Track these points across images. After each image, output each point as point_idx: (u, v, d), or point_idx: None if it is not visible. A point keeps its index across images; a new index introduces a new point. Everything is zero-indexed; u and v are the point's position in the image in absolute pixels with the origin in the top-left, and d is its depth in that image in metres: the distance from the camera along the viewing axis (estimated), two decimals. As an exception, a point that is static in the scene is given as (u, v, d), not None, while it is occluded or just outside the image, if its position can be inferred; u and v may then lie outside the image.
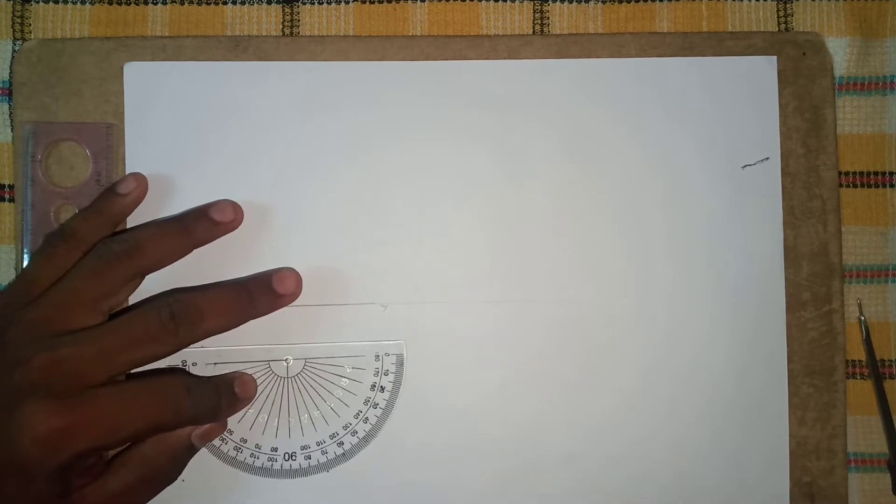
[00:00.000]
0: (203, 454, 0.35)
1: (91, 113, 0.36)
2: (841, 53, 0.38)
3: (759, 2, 0.38)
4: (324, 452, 0.36)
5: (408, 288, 0.37)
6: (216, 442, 0.36)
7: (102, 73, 0.36)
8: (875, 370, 0.37)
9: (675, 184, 0.37)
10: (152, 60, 0.36)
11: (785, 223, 0.37)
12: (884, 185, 0.38)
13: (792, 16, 0.38)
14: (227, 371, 0.35)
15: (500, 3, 0.38)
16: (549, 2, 0.38)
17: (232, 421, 0.36)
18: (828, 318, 0.37)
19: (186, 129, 0.36)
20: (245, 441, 0.36)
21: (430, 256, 0.37)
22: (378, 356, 0.36)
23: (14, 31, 0.37)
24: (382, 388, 0.36)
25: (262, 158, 0.36)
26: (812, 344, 0.37)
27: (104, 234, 0.34)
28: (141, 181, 0.35)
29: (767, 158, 0.37)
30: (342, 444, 0.36)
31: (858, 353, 0.38)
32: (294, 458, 0.36)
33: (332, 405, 0.36)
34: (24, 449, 0.30)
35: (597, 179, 0.37)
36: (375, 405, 0.36)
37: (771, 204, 0.37)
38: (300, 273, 0.36)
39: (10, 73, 0.37)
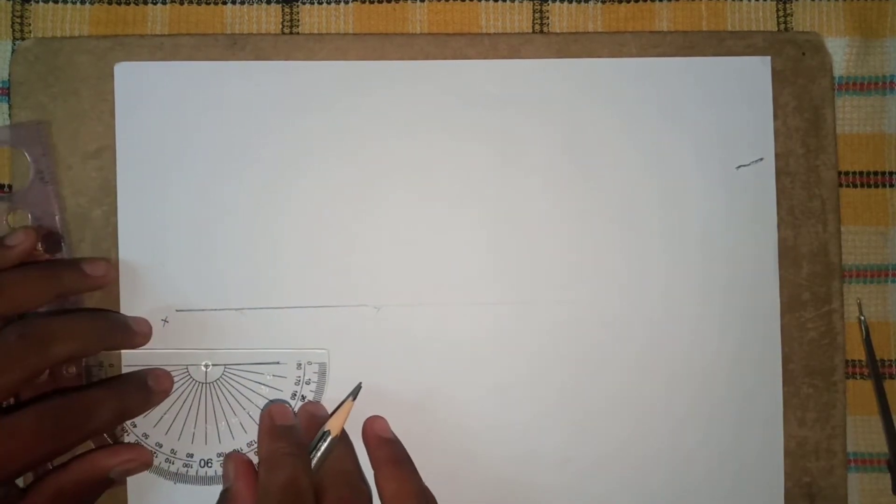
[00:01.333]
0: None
1: (88, 112, 0.36)
2: (840, 53, 0.38)
3: (759, 2, 0.38)
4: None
5: (403, 290, 0.36)
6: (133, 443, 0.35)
7: (99, 72, 0.36)
8: (875, 370, 0.37)
9: (670, 185, 0.37)
10: (149, 59, 0.36)
11: (785, 223, 0.37)
12: (883, 185, 0.38)
13: (791, 16, 0.38)
14: None
15: (499, 3, 0.38)
16: (549, 2, 0.38)
17: (147, 425, 0.35)
18: (827, 318, 0.37)
19: (179, 130, 0.36)
20: (161, 445, 0.35)
21: (426, 258, 0.37)
22: (300, 364, 0.36)
23: (14, 31, 0.37)
24: (303, 398, 0.36)
25: (258, 158, 0.36)
26: (812, 344, 0.37)
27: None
28: (30, 236, 0.34)
29: (762, 159, 0.37)
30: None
31: (858, 353, 0.38)
32: (210, 465, 0.36)
33: (251, 412, 0.36)
34: None
35: (593, 179, 0.37)
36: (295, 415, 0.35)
37: (765, 204, 0.37)
38: (299, 274, 0.36)
39: (9, 72, 0.37)
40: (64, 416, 0.32)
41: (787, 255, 0.37)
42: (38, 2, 0.37)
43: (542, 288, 0.37)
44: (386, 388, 0.36)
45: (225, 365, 0.36)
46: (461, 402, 0.36)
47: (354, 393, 0.34)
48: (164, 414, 0.35)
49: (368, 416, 0.36)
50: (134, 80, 0.36)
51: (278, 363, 0.36)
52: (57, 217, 0.36)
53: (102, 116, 0.36)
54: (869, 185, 0.38)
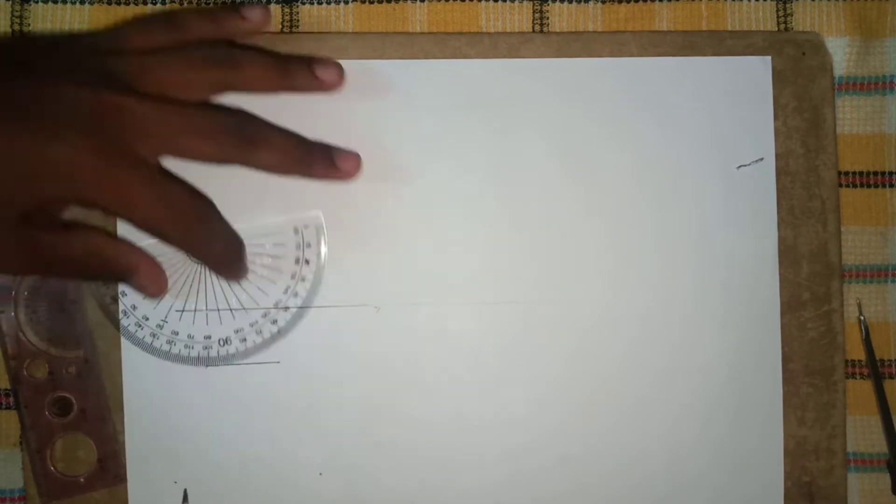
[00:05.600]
0: (137, 354, 0.35)
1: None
2: (840, 53, 0.38)
3: (759, 2, 0.38)
4: (258, 332, 0.36)
5: (403, 290, 0.36)
6: (147, 338, 0.36)
7: (101, 72, 0.36)
8: (875, 370, 0.37)
9: (670, 185, 0.37)
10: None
11: (785, 223, 0.37)
12: (883, 185, 0.38)
13: (791, 15, 0.38)
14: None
15: (499, 3, 0.38)
16: (549, 2, 0.38)
17: (158, 315, 0.36)
18: (827, 317, 0.37)
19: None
20: (177, 333, 0.36)
21: (426, 258, 0.37)
22: (297, 229, 0.36)
23: (13, 31, 0.37)
24: (307, 261, 0.36)
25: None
26: (811, 344, 0.37)
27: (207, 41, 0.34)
28: (267, 17, 0.35)
29: (762, 159, 0.37)
30: (275, 321, 0.36)
31: (858, 353, 0.38)
32: (229, 342, 0.36)
33: (259, 285, 0.36)
34: (37, 164, 0.29)
35: (592, 179, 0.37)
36: (303, 279, 0.36)
37: (765, 204, 0.37)
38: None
39: (9, 72, 0.37)
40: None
41: (787, 255, 0.37)
42: (37, 2, 0.37)
43: (542, 288, 0.37)
44: (386, 387, 0.36)
45: None
46: (460, 402, 0.36)
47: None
48: (173, 301, 0.36)
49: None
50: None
51: (276, 233, 0.36)
52: None
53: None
54: (869, 185, 0.38)
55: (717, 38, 0.37)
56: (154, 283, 0.33)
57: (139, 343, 0.35)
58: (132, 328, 0.36)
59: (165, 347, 0.36)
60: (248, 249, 0.35)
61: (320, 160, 0.35)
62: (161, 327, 0.36)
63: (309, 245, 0.36)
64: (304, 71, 0.35)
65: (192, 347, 0.36)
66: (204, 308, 0.36)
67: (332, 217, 0.36)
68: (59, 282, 0.36)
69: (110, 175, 0.30)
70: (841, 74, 0.38)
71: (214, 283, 0.36)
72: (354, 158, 0.35)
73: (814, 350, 0.37)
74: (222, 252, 0.34)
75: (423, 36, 0.37)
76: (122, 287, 0.36)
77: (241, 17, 0.35)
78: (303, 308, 0.36)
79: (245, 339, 0.36)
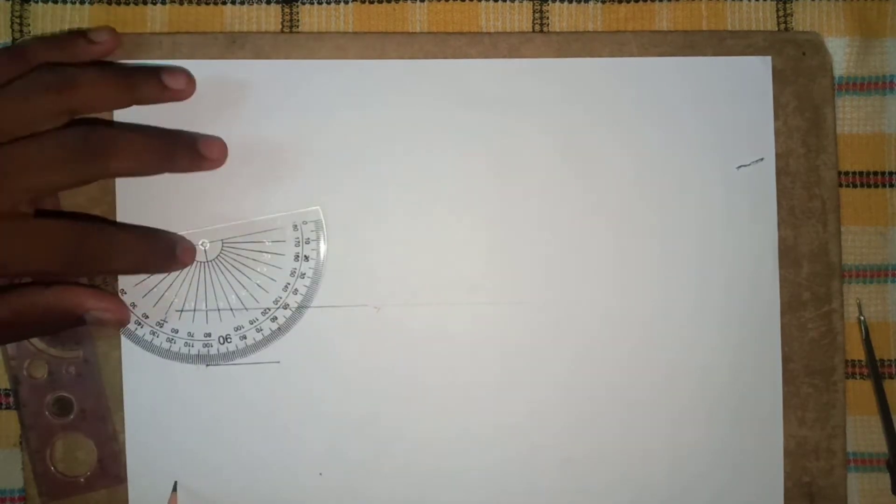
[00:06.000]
0: (137, 354, 0.35)
1: (90, 112, 0.36)
2: (840, 53, 0.38)
3: (759, 2, 0.38)
4: (258, 330, 0.36)
5: (403, 290, 0.36)
6: (147, 336, 0.35)
7: (100, 72, 0.36)
8: (875, 370, 0.37)
9: (670, 185, 0.37)
10: (147, 58, 0.36)
11: (785, 223, 0.37)
12: (883, 185, 0.38)
13: (791, 15, 0.38)
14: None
15: (499, 3, 0.38)
16: (549, 1, 0.38)
17: (159, 313, 0.36)
18: (827, 318, 0.37)
19: (177, 128, 0.36)
20: (177, 332, 0.36)
21: (426, 258, 0.37)
22: (296, 225, 0.36)
23: (13, 30, 0.37)
24: (307, 258, 0.36)
25: (256, 157, 0.36)
26: (812, 344, 0.37)
27: None
28: (115, 37, 0.35)
29: (762, 159, 0.37)
30: (275, 318, 0.36)
31: (858, 353, 0.38)
32: (229, 340, 0.36)
33: (259, 282, 0.36)
34: None
35: (592, 179, 0.37)
36: (303, 275, 0.36)
37: (766, 205, 0.37)
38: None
39: (9, 72, 0.37)
40: (90, 241, 0.32)
41: (787, 255, 0.37)
42: (37, 2, 0.37)
43: (541, 288, 0.37)
44: (385, 387, 0.36)
45: (222, 240, 0.36)
46: (460, 402, 0.36)
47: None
48: (173, 300, 0.36)
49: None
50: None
51: (275, 229, 0.36)
52: None
53: (101, 115, 0.36)
54: (869, 185, 0.38)
55: (718, 38, 0.37)
56: (111, 315, 0.33)
57: (139, 341, 0.35)
58: (132, 326, 0.36)
59: (165, 345, 0.36)
60: (248, 247, 0.35)
61: (182, 153, 0.34)
62: (161, 325, 0.36)
63: (308, 241, 0.36)
64: (150, 82, 0.34)
65: (192, 345, 0.36)
66: (204, 308, 0.36)
67: (332, 217, 0.36)
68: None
69: None
70: (841, 74, 0.38)
71: (214, 282, 0.36)
72: (219, 144, 0.35)
73: (814, 350, 0.37)
74: (142, 261, 0.33)
75: (423, 36, 0.37)
76: (120, 285, 0.36)
77: (87, 40, 0.34)
78: (303, 307, 0.36)
79: (245, 337, 0.36)
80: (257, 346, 0.36)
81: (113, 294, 0.35)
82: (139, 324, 0.36)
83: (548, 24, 0.38)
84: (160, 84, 0.34)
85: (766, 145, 0.37)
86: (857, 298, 0.38)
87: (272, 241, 0.36)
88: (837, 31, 0.38)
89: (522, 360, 0.37)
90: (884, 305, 0.38)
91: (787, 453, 0.37)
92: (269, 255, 0.36)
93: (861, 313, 0.38)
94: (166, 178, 0.34)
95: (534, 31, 0.38)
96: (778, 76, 0.37)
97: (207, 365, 0.36)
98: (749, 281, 0.37)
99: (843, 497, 0.37)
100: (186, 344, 0.36)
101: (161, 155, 0.33)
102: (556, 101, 0.37)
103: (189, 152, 0.34)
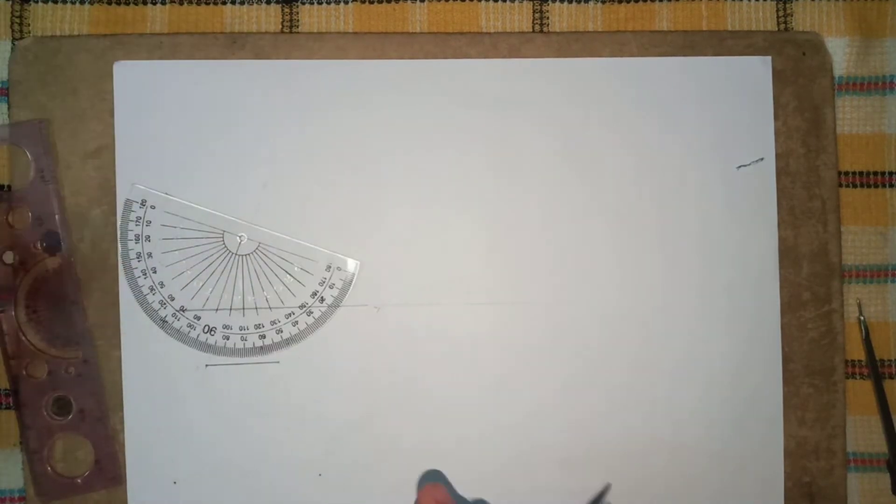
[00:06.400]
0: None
1: (87, 111, 0.36)
2: (840, 53, 0.38)
3: (759, 2, 0.38)
4: (244, 339, 0.36)
5: (403, 290, 0.36)
6: (202, 337, 0.36)
7: (99, 71, 0.36)
8: (875, 370, 0.37)
9: (670, 185, 0.37)
10: (148, 58, 0.36)
11: (785, 223, 0.37)
12: (883, 185, 0.38)
13: (791, 16, 0.38)
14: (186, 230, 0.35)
15: (499, 3, 0.38)
16: (549, 1, 0.38)
17: (175, 286, 0.35)
18: (827, 318, 0.37)
19: (178, 129, 0.36)
20: (186, 310, 0.36)
21: (426, 258, 0.37)
22: (329, 267, 0.36)
23: (13, 30, 0.37)
24: (322, 299, 0.36)
25: (257, 157, 0.36)
26: (812, 344, 0.37)
27: None
28: None
29: (762, 159, 0.37)
30: (264, 336, 0.36)
31: (858, 353, 0.38)
32: (246, 336, 0.36)
33: (268, 296, 0.36)
34: None
35: (592, 179, 0.37)
36: (310, 312, 0.36)
37: (766, 205, 0.37)
38: (298, 274, 0.36)
39: (8, 72, 0.36)
40: None
41: (787, 255, 0.37)
42: (37, 1, 0.37)
43: (542, 288, 0.37)
44: (385, 387, 0.36)
45: (259, 242, 0.36)
46: (460, 402, 0.36)
47: None
48: (194, 280, 0.36)
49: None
50: (133, 80, 0.36)
51: (309, 259, 0.36)
52: (57, 216, 0.36)
53: (102, 115, 0.36)
54: (869, 185, 0.38)
55: (718, 38, 0.37)
56: None
57: (194, 343, 0.36)
58: (169, 318, 0.36)
59: (221, 343, 0.36)
60: (277, 261, 0.35)
61: None
62: (172, 298, 0.36)
63: (332, 286, 0.36)
64: None
65: (246, 339, 0.36)
66: (221, 291, 0.36)
67: (332, 217, 0.36)
68: (58, 282, 0.35)
69: None
70: (841, 74, 0.38)
71: (238, 273, 0.36)
72: None
73: (814, 350, 0.37)
74: None
75: (423, 36, 0.37)
76: (159, 277, 0.36)
77: None
78: (294, 339, 0.36)
79: (281, 331, 0.36)
80: (309, 329, 0.36)
81: None
82: (176, 317, 0.36)
83: (548, 24, 0.38)
84: None
85: (766, 145, 0.37)
86: (857, 298, 0.38)
87: (300, 269, 0.36)
88: (837, 31, 0.38)
89: (522, 360, 0.37)
90: (884, 305, 0.38)
91: (787, 453, 0.37)
92: (290, 279, 0.36)
93: (861, 313, 0.38)
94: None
95: (534, 30, 0.38)
96: (778, 76, 0.37)
97: (207, 365, 0.36)
98: (749, 281, 0.37)
99: (843, 497, 0.37)
100: (224, 336, 0.36)
101: None
102: (557, 101, 0.37)
103: None
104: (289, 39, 0.37)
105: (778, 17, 0.38)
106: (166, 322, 0.35)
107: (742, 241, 0.37)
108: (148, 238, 0.36)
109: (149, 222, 0.36)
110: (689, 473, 0.37)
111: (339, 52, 0.37)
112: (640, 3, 0.38)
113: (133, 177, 0.36)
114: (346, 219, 0.36)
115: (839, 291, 0.37)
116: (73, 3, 0.37)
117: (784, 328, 0.37)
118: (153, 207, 0.35)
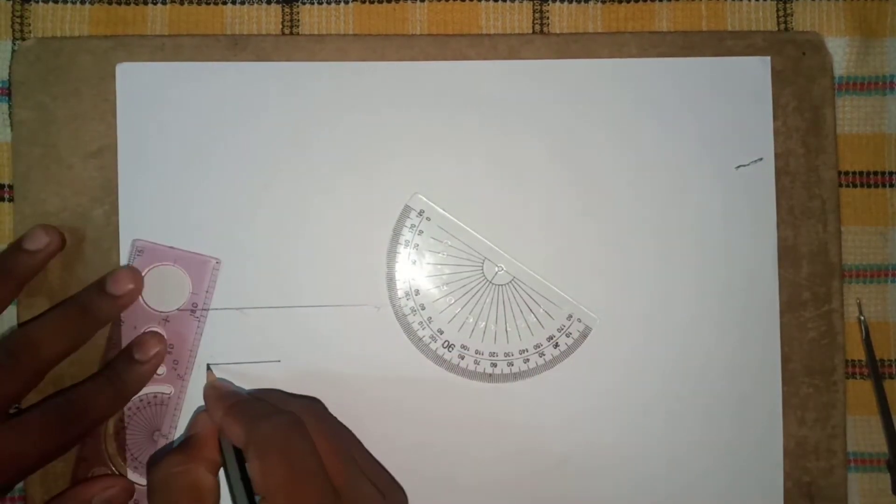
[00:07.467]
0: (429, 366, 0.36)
1: (89, 112, 0.36)
2: (840, 53, 0.38)
3: (759, 2, 0.38)
4: (541, 355, 0.37)
5: (401, 290, 0.37)
6: (440, 351, 0.36)
7: (101, 72, 0.36)
8: (875, 370, 0.37)
9: (670, 185, 0.37)
10: (150, 60, 0.36)
11: (785, 223, 0.37)
12: (883, 185, 0.38)
13: (791, 16, 0.38)
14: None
15: (499, 3, 0.38)
16: (549, 2, 0.38)
17: (442, 320, 0.36)
18: (827, 317, 0.37)
19: (180, 130, 0.36)
20: (466, 348, 0.36)
21: (424, 258, 0.37)
22: (570, 316, 0.36)
23: (14, 31, 0.37)
24: (556, 345, 0.36)
25: (258, 158, 0.36)
26: (812, 344, 0.37)
27: (8, 299, 0.34)
28: (52, 235, 0.34)
29: (761, 159, 0.37)
30: (495, 365, 0.36)
31: (858, 353, 0.38)
32: (511, 363, 0.37)
33: (508, 328, 0.36)
34: None
35: (592, 179, 0.37)
36: (542, 354, 0.36)
37: (765, 205, 0.37)
38: (299, 274, 0.36)
39: (10, 72, 0.37)
40: (66, 411, 0.32)
41: (787, 255, 0.37)
42: (38, 2, 0.37)
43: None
44: (385, 387, 0.36)
45: (514, 276, 0.36)
46: (460, 401, 0.36)
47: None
48: (448, 295, 0.36)
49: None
50: (135, 81, 0.36)
51: (554, 304, 0.36)
52: (190, 351, 0.36)
53: (104, 116, 0.36)
54: (869, 185, 0.38)
55: (717, 39, 0.37)
56: (121, 489, 0.34)
57: (430, 355, 0.36)
58: (426, 339, 0.36)
59: (455, 361, 0.36)
60: (526, 299, 0.36)
61: (95, 303, 0.34)
62: (441, 332, 0.36)
63: (569, 335, 0.36)
64: (104, 299, 0.34)
65: (479, 363, 0.36)
66: (493, 327, 0.36)
67: (332, 217, 0.36)
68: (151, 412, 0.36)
69: None
70: (841, 74, 0.38)
71: (494, 302, 0.36)
72: (125, 275, 0.35)
73: (814, 350, 0.37)
74: (113, 394, 0.34)
75: (423, 38, 0.37)
76: (419, 300, 0.36)
77: (109, 296, 0.34)
78: (518, 374, 0.36)
79: (528, 360, 0.36)
80: (538, 369, 0.36)
81: (102, 476, 0.35)
82: (433, 339, 0.36)
83: (548, 25, 0.38)
84: (108, 296, 0.34)
85: (766, 145, 0.37)
86: (857, 298, 0.38)
87: (545, 311, 0.36)
88: (837, 31, 0.38)
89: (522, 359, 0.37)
90: (884, 305, 0.38)
91: (787, 453, 0.37)
92: (534, 319, 0.36)
93: (861, 313, 0.38)
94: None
95: (534, 31, 0.38)
96: (777, 76, 0.37)
97: (208, 364, 0.36)
98: (749, 281, 0.37)
99: (843, 497, 0.37)
100: (475, 361, 0.36)
101: (75, 319, 0.34)
102: (556, 102, 0.37)
103: (99, 297, 0.34)
104: (290, 42, 0.37)
105: (778, 17, 0.38)
106: (411, 328, 0.36)
107: (741, 240, 0.37)
108: (417, 246, 0.36)
109: (421, 232, 0.36)
110: (689, 473, 0.37)
111: (339, 54, 0.37)
112: (640, 3, 0.38)
113: (135, 177, 0.36)
114: (346, 218, 0.36)
115: (839, 291, 0.37)
116: (74, 3, 0.37)
117: (784, 328, 0.37)
118: (429, 219, 0.36)
